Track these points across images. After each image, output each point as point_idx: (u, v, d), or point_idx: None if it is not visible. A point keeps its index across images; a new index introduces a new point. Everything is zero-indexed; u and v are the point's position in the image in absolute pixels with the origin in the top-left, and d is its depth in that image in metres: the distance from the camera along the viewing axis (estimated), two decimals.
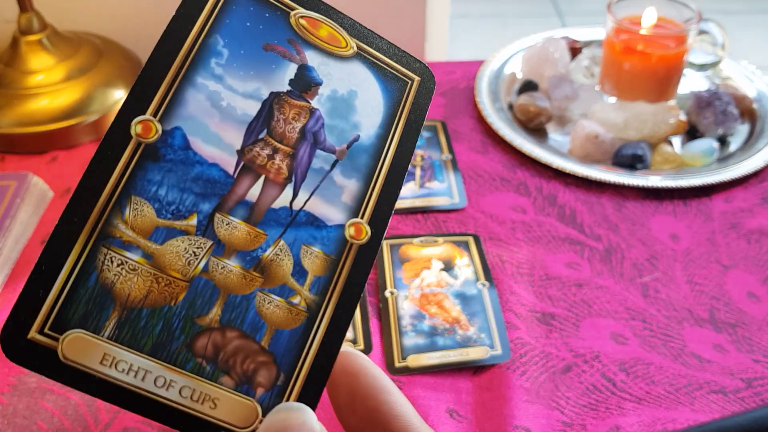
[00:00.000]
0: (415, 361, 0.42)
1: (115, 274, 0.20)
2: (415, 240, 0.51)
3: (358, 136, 0.23)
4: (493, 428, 0.39)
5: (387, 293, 0.47)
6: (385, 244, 0.50)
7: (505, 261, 0.49)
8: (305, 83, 0.23)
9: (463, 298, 0.46)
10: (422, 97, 0.25)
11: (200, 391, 0.20)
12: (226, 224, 0.21)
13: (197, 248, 0.21)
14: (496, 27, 1.82)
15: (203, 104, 0.21)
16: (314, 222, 0.22)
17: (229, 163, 0.21)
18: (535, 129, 0.62)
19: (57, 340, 0.19)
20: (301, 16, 0.23)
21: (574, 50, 0.68)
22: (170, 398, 0.20)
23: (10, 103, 0.58)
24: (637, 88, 0.61)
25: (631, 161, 0.57)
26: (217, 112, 0.22)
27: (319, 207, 0.22)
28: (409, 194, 0.55)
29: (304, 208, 0.22)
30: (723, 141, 0.60)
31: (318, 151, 0.23)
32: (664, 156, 0.58)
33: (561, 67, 0.65)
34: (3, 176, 0.53)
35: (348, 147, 0.23)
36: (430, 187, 0.56)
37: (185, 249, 0.21)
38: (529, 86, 0.64)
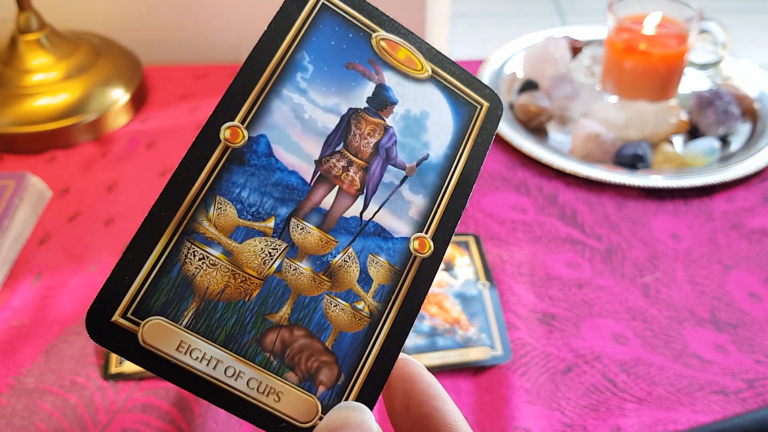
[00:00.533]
0: None
1: (196, 268, 0.21)
2: None
3: (428, 154, 0.25)
4: (494, 429, 0.39)
5: None
6: None
7: (506, 261, 0.49)
8: (382, 102, 0.25)
9: (463, 298, 0.46)
10: (489, 122, 0.26)
11: (266, 384, 0.21)
12: (301, 229, 0.23)
13: (273, 249, 0.22)
14: (497, 26, 1.82)
15: (287, 115, 0.23)
16: (382, 233, 0.24)
17: (307, 171, 0.23)
18: (536, 128, 0.61)
19: (138, 324, 0.20)
20: (382, 38, 0.25)
21: (575, 49, 0.68)
22: (238, 388, 0.21)
23: (8, 103, 0.58)
24: (638, 87, 0.61)
25: (632, 161, 0.57)
26: (300, 123, 0.23)
27: (387, 219, 0.24)
28: None
29: (373, 219, 0.24)
30: (724, 140, 0.60)
31: (389, 167, 0.24)
32: (665, 155, 0.57)
33: (562, 67, 0.64)
34: (1, 176, 0.53)
35: (417, 164, 0.25)
36: None
37: (262, 249, 0.22)
38: (529, 86, 0.64)
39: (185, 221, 0.21)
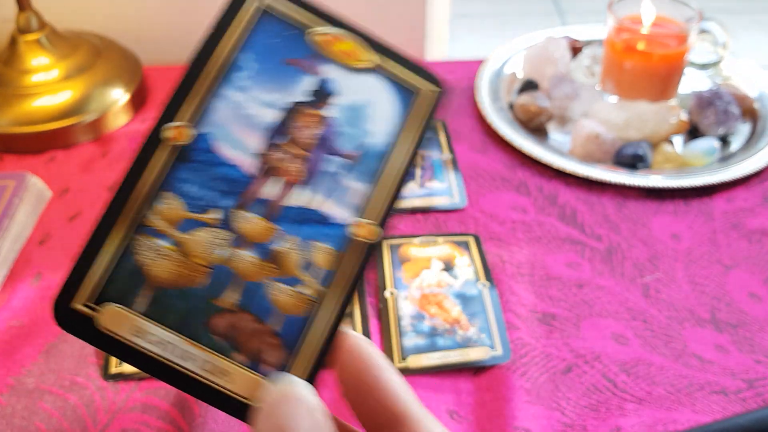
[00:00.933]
0: (415, 361, 0.42)
1: (148, 258, 0.23)
2: (415, 240, 0.50)
3: (368, 142, 0.26)
4: (494, 429, 0.39)
5: (387, 293, 0.46)
6: (385, 245, 0.50)
7: (506, 261, 0.49)
8: (321, 94, 0.26)
9: (463, 298, 0.46)
10: (431, 107, 0.27)
11: (216, 365, 0.23)
12: (244, 219, 0.24)
13: (219, 239, 0.24)
14: (497, 26, 1.82)
15: (229, 112, 0.25)
16: (324, 220, 0.25)
17: (249, 164, 0.25)
18: (536, 128, 0.61)
19: (95, 311, 0.22)
20: (322, 33, 0.26)
21: (575, 49, 0.68)
22: (191, 369, 0.23)
23: (8, 103, 0.58)
24: (638, 87, 0.61)
25: (632, 161, 0.57)
26: (241, 119, 0.25)
27: (328, 206, 0.25)
28: (409, 194, 0.55)
29: (315, 206, 0.25)
30: (724, 140, 0.60)
31: (330, 156, 0.26)
32: (665, 155, 0.57)
33: (562, 67, 0.64)
34: (1, 176, 0.53)
35: (358, 153, 0.26)
36: (430, 187, 0.55)
37: (209, 239, 0.24)
38: (529, 86, 0.64)
39: (137, 216, 0.23)
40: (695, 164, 0.57)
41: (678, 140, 0.60)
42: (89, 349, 0.43)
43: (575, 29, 0.72)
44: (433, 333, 0.44)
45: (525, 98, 0.61)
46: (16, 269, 0.49)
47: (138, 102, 0.64)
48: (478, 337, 0.44)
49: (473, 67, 0.69)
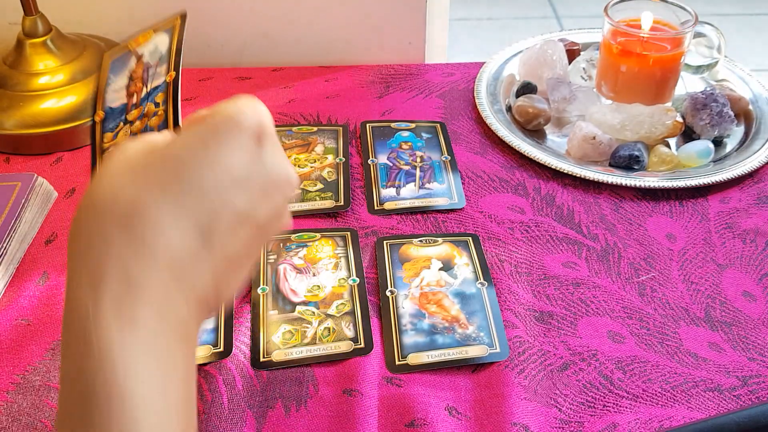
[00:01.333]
0: (415, 359, 0.43)
1: None
2: (415, 240, 0.51)
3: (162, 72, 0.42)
4: (492, 426, 0.40)
5: (387, 292, 0.47)
6: (386, 244, 0.51)
7: (504, 260, 0.50)
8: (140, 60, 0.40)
9: (462, 297, 0.47)
10: (182, 29, 0.42)
11: None
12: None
13: None
14: (495, 30, 1.83)
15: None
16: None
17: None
18: (534, 130, 0.62)
19: None
20: (134, 39, 0.38)
21: (572, 52, 0.69)
22: None
23: (15, 105, 0.59)
24: (633, 90, 0.62)
25: (628, 162, 0.57)
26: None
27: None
28: (409, 195, 0.56)
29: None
30: (719, 142, 0.61)
31: (151, 89, 0.41)
32: (660, 157, 0.58)
33: (559, 69, 0.65)
34: (8, 177, 0.54)
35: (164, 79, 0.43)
36: (429, 188, 0.56)
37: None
38: (527, 88, 0.64)
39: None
40: (690, 165, 0.58)
41: (673, 142, 0.61)
42: None
43: (572, 34, 0.73)
44: (432, 331, 0.45)
45: (523, 100, 0.62)
46: (23, 269, 0.49)
47: None
48: (477, 336, 0.44)
49: (472, 69, 0.70)
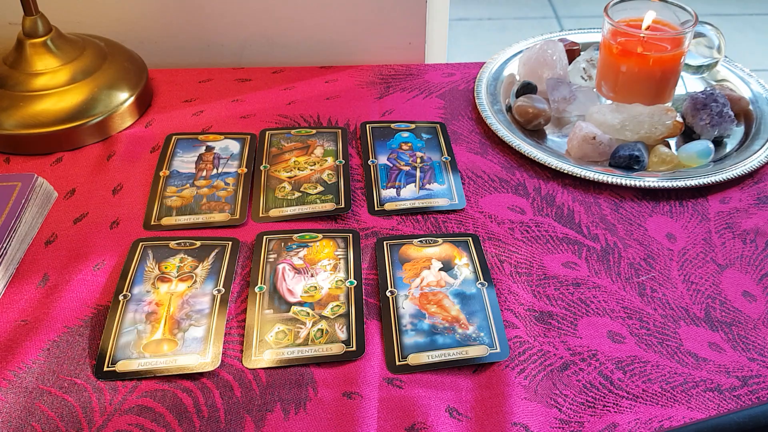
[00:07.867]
0: (415, 359, 0.43)
1: None
2: (415, 240, 0.51)
3: None
4: (492, 426, 0.40)
5: (387, 293, 0.47)
6: (386, 245, 0.51)
7: (504, 261, 0.50)
8: None
9: (462, 297, 0.47)
10: None
11: None
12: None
13: None
14: (495, 30, 1.83)
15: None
16: None
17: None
18: (534, 130, 0.62)
19: None
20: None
21: (572, 52, 0.69)
22: None
23: (16, 105, 0.59)
24: (633, 90, 0.62)
25: (628, 162, 0.57)
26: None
27: None
28: (409, 195, 0.56)
29: None
30: (719, 142, 0.61)
31: None
32: (660, 157, 0.58)
33: (559, 69, 0.65)
34: (8, 177, 0.54)
35: None
36: (429, 189, 0.56)
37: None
38: (527, 88, 0.64)
39: None
40: (690, 165, 0.58)
41: (673, 142, 0.61)
42: (90, 351, 0.44)
43: (572, 34, 0.73)
44: (432, 331, 0.45)
45: (523, 100, 0.62)
46: (23, 269, 0.49)
47: (143, 104, 0.64)
48: (477, 336, 0.44)
49: (472, 69, 0.70)
